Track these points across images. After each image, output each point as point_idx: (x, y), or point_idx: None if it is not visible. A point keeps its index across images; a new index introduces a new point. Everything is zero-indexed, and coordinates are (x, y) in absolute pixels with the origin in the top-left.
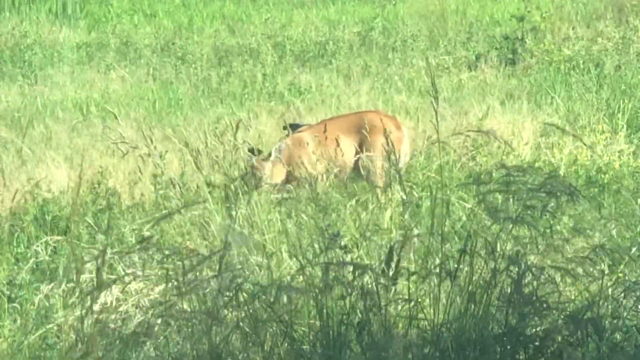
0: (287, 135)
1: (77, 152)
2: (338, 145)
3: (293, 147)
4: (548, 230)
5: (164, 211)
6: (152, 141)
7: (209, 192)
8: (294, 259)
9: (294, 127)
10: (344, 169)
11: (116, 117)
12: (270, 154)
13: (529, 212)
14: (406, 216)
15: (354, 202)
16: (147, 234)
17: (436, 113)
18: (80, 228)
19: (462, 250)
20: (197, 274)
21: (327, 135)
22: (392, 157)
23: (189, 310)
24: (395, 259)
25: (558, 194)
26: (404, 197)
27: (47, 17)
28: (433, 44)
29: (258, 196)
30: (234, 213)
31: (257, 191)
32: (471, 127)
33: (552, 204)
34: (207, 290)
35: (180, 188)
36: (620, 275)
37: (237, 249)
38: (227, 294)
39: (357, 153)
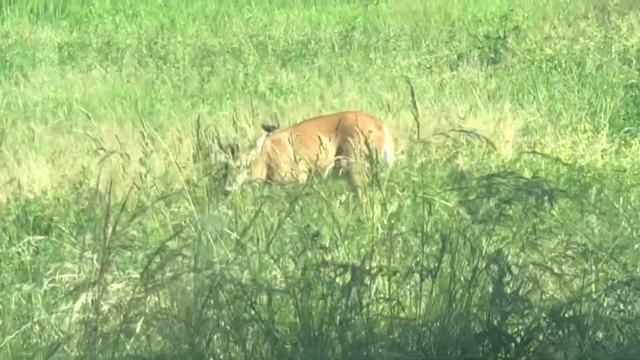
0: (268, 135)
1: (59, 152)
2: (319, 144)
3: (273, 147)
4: (529, 229)
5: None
6: (144, 136)
7: (191, 192)
8: (275, 258)
9: (270, 128)
10: (324, 168)
11: (89, 118)
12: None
13: (509, 211)
14: (387, 216)
15: (336, 201)
16: (132, 232)
17: (417, 120)
18: (63, 227)
19: (443, 249)
20: (177, 272)
21: (307, 135)
22: (374, 156)
23: (170, 309)
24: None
25: (537, 194)
26: (384, 196)
27: (28, 18)
28: (415, 43)
29: (240, 195)
30: (215, 212)
31: (232, 186)
32: (453, 126)
33: (533, 203)
34: (188, 289)
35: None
36: (602, 273)
37: (210, 230)
38: (208, 293)
39: (337, 153)
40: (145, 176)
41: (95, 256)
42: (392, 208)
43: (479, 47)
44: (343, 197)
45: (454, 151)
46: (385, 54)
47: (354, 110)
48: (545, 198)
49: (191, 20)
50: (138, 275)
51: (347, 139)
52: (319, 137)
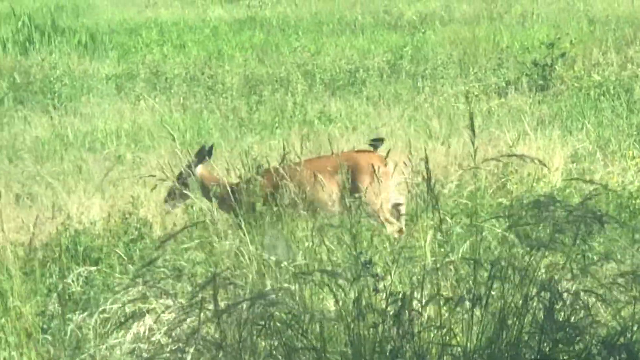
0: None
1: (108, 182)
2: (320, 183)
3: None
4: (580, 256)
5: (195, 241)
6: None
7: (239, 223)
8: (327, 287)
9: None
10: (325, 208)
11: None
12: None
13: (559, 238)
14: (438, 243)
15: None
16: (180, 263)
17: (473, 144)
18: (112, 258)
19: (494, 277)
20: (230, 302)
21: (303, 175)
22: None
23: (222, 338)
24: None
25: (588, 220)
26: (436, 224)
27: (76, 49)
28: (463, 71)
29: (292, 222)
30: (267, 240)
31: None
32: (502, 154)
33: (583, 230)
34: (241, 318)
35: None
36: None
37: (281, 257)
38: (260, 322)
39: (341, 193)
40: (192, 207)
41: (144, 287)
42: (442, 236)
43: (527, 74)
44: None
45: (503, 178)
46: (433, 82)
47: (356, 150)
48: (596, 224)
49: (239, 49)
50: (190, 305)
51: (357, 177)
52: (317, 177)
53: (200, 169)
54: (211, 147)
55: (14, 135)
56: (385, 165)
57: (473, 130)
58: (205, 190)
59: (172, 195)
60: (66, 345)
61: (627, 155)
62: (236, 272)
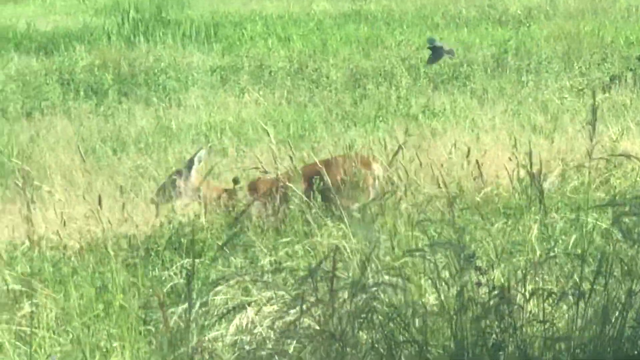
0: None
1: (212, 175)
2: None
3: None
4: None
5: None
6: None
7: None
8: (429, 280)
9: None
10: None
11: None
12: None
13: None
14: (542, 238)
15: (490, 225)
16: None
17: (591, 139)
18: (214, 251)
19: (597, 271)
20: (332, 295)
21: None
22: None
23: (323, 331)
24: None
25: None
26: (542, 218)
27: (180, 41)
28: (567, 65)
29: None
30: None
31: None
32: (605, 149)
33: None
34: (343, 311)
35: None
36: None
37: (364, 240)
38: (362, 315)
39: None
40: (293, 200)
41: (248, 279)
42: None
43: (631, 69)
44: (500, 224)
45: (607, 173)
46: (537, 77)
47: (343, 154)
48: None
49: (343, 43)
50: (291, 297)
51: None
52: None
53: (194, 172)
54: (203, 151)
55: (118, 127)
56: (368, 166)
57: (594, 126)
58: (194, 193)
59: (164, 192)
60: (168, 337)
61: None
62: (337, 265)
